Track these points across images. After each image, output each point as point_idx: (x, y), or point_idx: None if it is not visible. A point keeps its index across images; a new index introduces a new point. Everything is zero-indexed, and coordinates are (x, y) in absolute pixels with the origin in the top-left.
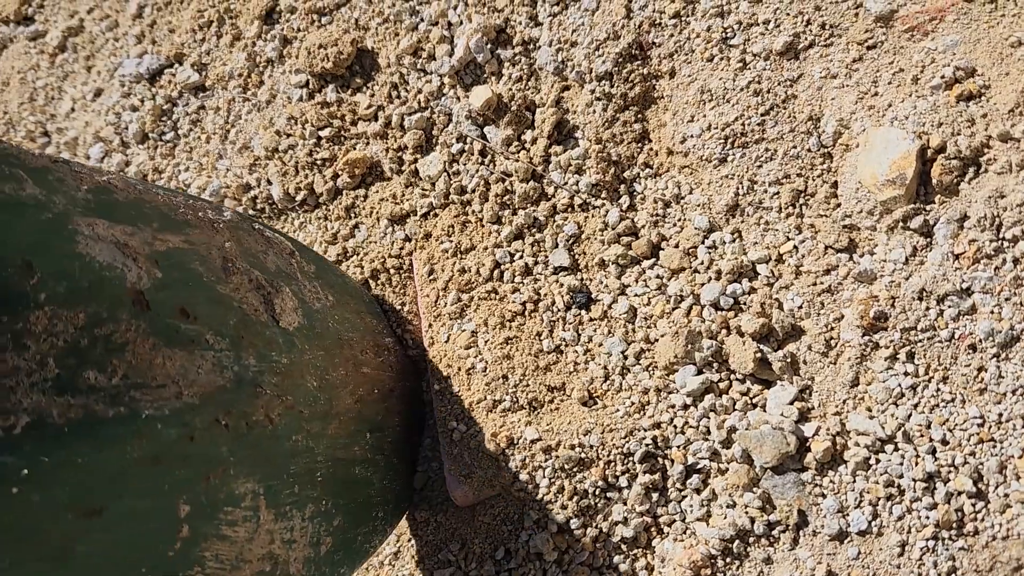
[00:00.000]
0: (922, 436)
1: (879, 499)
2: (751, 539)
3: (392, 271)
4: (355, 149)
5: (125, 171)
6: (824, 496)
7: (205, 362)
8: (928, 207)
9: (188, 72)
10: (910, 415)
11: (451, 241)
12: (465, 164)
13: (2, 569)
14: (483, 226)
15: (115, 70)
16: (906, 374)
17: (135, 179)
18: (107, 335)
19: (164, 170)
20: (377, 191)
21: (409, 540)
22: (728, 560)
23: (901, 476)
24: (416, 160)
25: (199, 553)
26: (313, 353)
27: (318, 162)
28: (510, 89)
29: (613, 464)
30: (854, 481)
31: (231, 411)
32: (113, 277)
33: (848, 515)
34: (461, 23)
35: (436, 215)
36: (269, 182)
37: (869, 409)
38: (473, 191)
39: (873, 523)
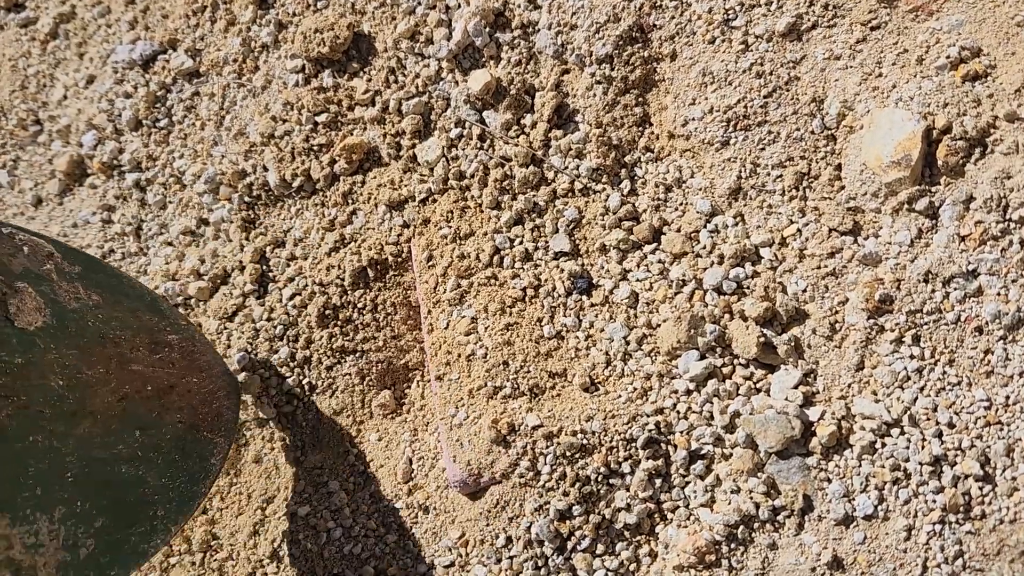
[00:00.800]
0: (928, 419)
1: (885, 483)
2: (756, 524)
3: (390, 258)
4: (352, 134)
5: (119, 158)
6: (830, 481)
7: None
8: (933, 188)
9: (182, 58)
10: (916, 398)
11: (450, 227)
12: (464, 149)
13: None
14: (482, 211)
15: (108, 56)
16: (912, 357)
17: None
18: None
19: (158, 157)
20: (375, 177)
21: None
22: (733, 546)
23: (907, 460)
24: (414, 145)
25: None
26: (60, 352)
27: (315, 148)
28: (509, 73)
29: (615, 450)
30: (860, 465)
31: None
32: None
33: (854, 499)
34: (459, 6)
35: (435, 200)
36: (265, 168)
37: (875, 393)
38: (472, 176)
39: (879, 507)
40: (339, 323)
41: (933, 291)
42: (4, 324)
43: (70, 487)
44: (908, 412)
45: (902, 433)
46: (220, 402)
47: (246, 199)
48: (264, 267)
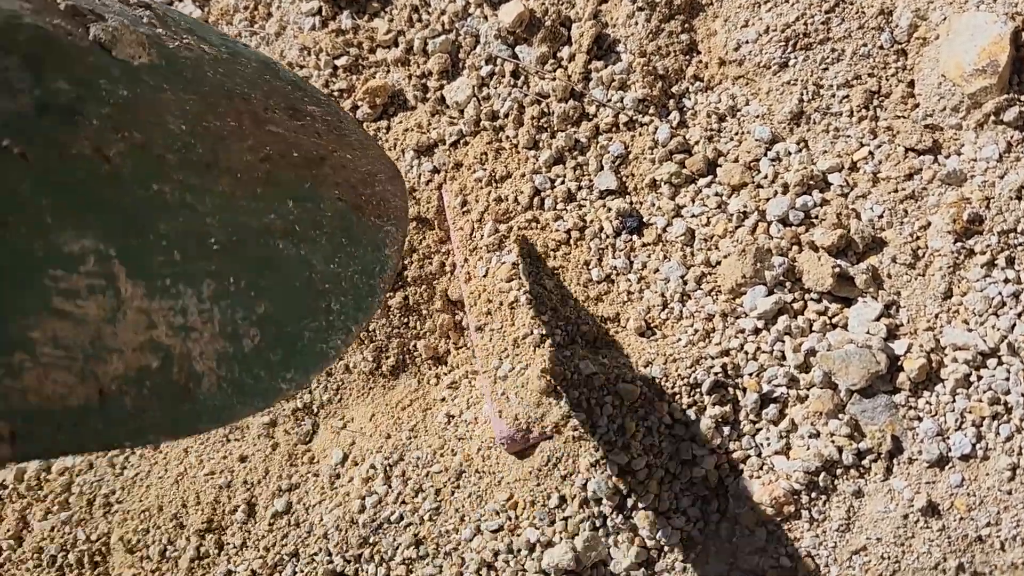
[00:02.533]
0: None
1: (983, 419)
2: (839, 470)
3: (422, 203)
4: (375, 78)
5: None
6: (920, 419)
7: None
8: (1023, 97)
9: (189, 7)
10: (1014, 325)
11: (484, 170)
12: (496, 87)
13: None
14: (519, 152)
15: None
16: (1006, 281)
17: None
18: None
19: None
20: (400, 121)
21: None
22: (814, 495)
23: (1008, 392)
24: (442, 86)
25: (20, 333)
26: (177, 95)
27: (335, 93)
28: (543, 4)
29: (679, 397)
30: (954, 401)
31: (30, 137)
32: None
33: (949, 439)
34: None
35: (466, 143)
36: None
37: (966, 322)
38: (506, 116)
39: (978, 446)
40: None
41: None
42: (97, 50)
43: (218, 257)
44: (1006, 340)
45: (1000, 363)
46: (383, 186)
47: None
48: None
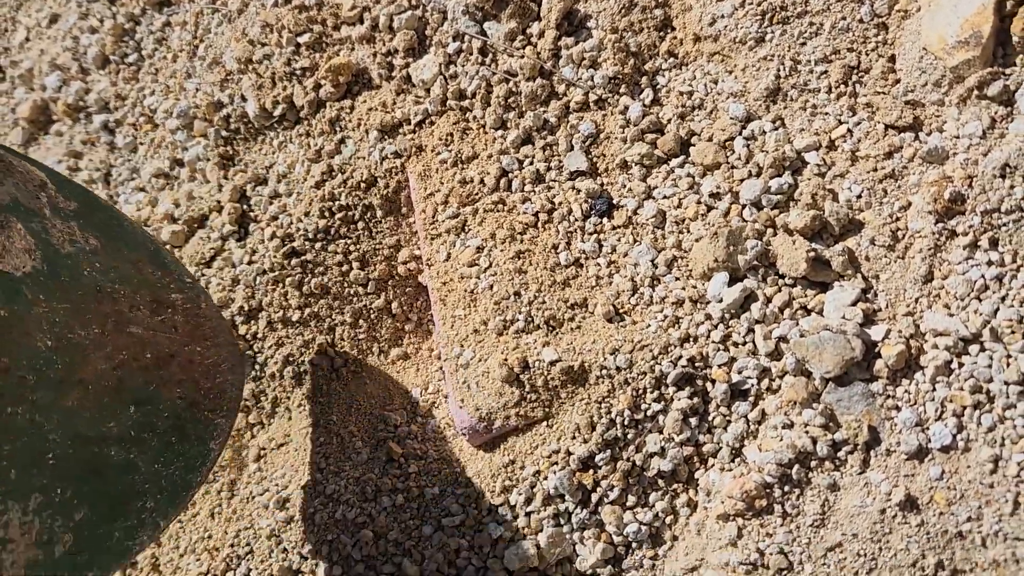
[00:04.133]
0: (1013, 332)
1: (965, 408)
2: (813, 463)
3: (382, 187)
4: (339, 55)
5: (85, 99)
6: (899, 409)
7: None
8: (1008, 70)
9: None
10: (997, 309)
11: (449, 151)
12: (463, 65)
13: None
14: (486, 132)
15: None
16: (990, 263)
17: None
18: None
19: (127, 95)
20: (364, 101)
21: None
22: (787, 488)
23: (990, 380)
24: (408, 64)
25: None
26: (50, 305)
27: (297, 72)
28: None
29: (645, 387)
30: (934, 389)
31: None
32: None
33: (928, 429)
34: None
35: (432, 123)
36: (243, 98)
37: (947, 306)
38: (473, 95)
39: (958, 437)
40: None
41: (1012, 187)
42: None
43: (50, 471)
44: (988, 325)
45: (982, 350)
46: (224, 376)
47: (223, 134)
48: (245, 207)
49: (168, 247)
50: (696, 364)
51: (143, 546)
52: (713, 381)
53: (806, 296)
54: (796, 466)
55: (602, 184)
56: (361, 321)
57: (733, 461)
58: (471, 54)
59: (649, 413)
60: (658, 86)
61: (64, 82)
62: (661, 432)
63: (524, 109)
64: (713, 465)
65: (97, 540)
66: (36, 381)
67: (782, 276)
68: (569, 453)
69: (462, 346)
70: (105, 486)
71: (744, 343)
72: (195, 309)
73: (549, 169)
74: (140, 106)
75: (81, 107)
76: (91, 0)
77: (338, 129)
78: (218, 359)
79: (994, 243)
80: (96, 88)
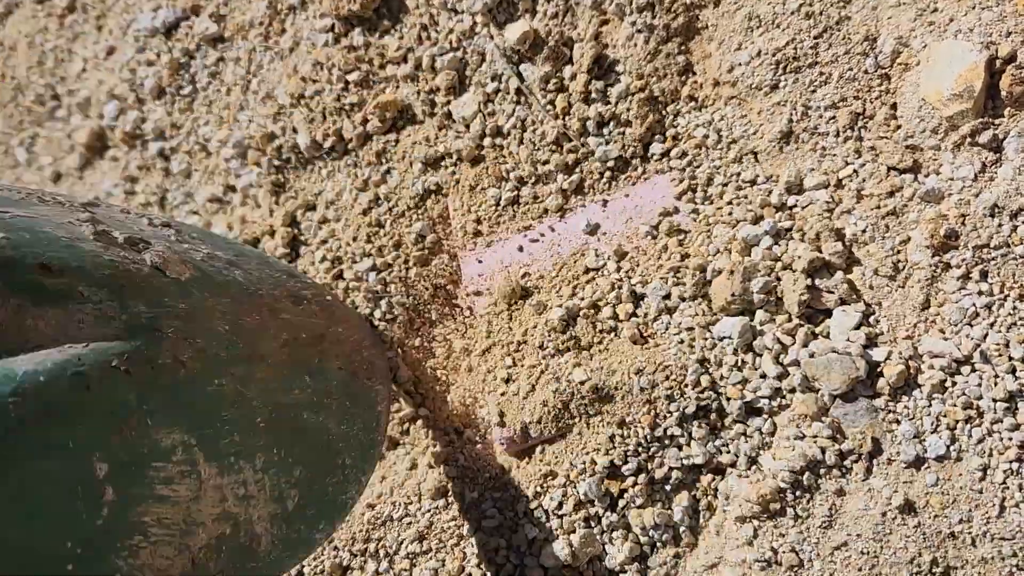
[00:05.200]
0: (1000, 355)
1: (957, 422)
2: (822, 470)
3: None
4: (385, 92)
5: (141, 128)
6: (899, 422)
7: (86, 315)
8: (997, 121)
9: (206, 23)
10: (986, 334)
11: (488, 183)
12: (500, 104)
13: None
14: (519, 168)
15: (128, 26)
16: (980, 293)
17: None
18: None
19: (182, 125)
20: (409, 134)
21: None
22: (798, 493)
23: (980, 397)
24: (449, 102)
25: (136, 519)
26: (216, 300)
27: (346, 107)
28: (546, 25)
29: (667, 404)
30: (930, 405)
31: (129, 356)
32: None
33: (925, 440)
34: None
35: (474, 155)
36: (295, 130)
37: (942, 331)
38: (508, 134)
39: (952, 448)
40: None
41: (1000, 225)
42: (157, 275)
43: (264, 434)
44: (979, 348)
45: (973, 370)
46: (368, 351)
47: (275, 163)
48: (295, 231)
49: None
50: (715, 381)
51: (354, 501)
52: (729, 399)
53: (814, 320)
54: (807, 473)
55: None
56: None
57: (749, 469)
58: (508, 94)
59: (669, 431)
60: (679, 133)
61: (121, 111)
62: (680, 448)
63: (551, 162)
64: (731, 472)
65: (317, 495)
66: (228, 357)
67: (790, 312)
68: (596, 463)
69: (501, 363)
70: (309, 446)
71: (757, 367)
72: (325, 300)
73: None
74: (194, 135)
75: (137, 135)
76: (149, 35)
77: (384, 161)
78: (359, 337)
79: (984, 275)
80: (152, 117)
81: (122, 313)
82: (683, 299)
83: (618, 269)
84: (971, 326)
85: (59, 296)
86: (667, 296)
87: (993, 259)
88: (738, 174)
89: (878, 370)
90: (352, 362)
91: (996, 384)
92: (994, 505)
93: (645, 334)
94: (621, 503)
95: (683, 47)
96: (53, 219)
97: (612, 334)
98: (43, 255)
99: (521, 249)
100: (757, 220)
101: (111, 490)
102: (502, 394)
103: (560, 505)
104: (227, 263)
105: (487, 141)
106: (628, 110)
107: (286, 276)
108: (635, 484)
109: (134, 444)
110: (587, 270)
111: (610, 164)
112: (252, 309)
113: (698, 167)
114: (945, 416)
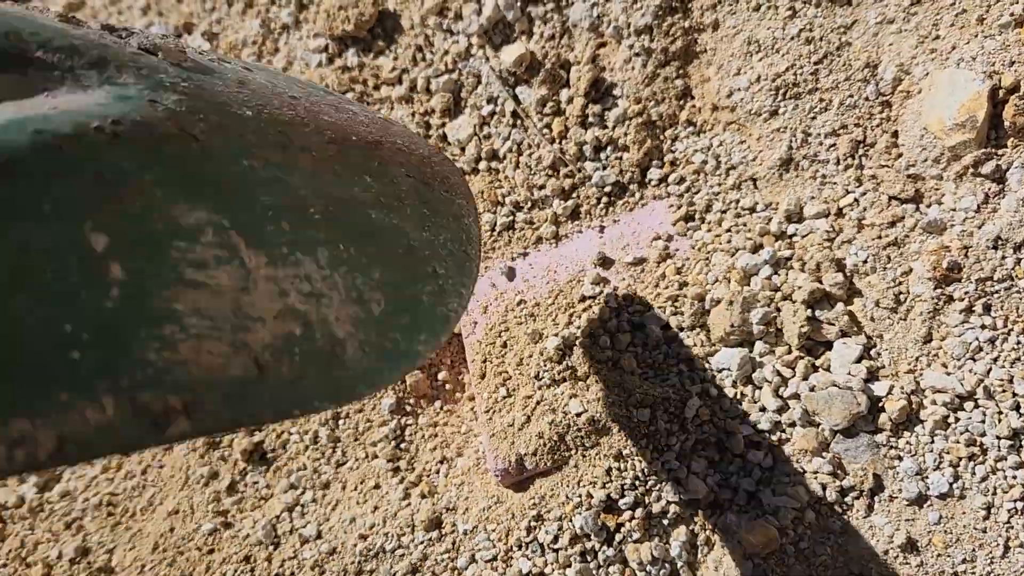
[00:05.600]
0: (1004, 391)
1: (960, 459)
2: (823, 507)
3: None
4: (379, 114)
5: None
6: (901, 458)
7: (52, 83)
8: (1000, 151)
9: (199, 41)
10: (990, 369)
11: (483, 206)
12: (496, 127)
13: None
14: (515, 192)
15: None
16: (983, 327)
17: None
18: None
19: None
20: None
21: None
22: (800, 530)
23: (983, 434)
24: (444, 124)
25: (163, 305)
26: (230, 89)
27: None
28: (543, 47)
29: (665, 437)
30: (932, 441)
31: (117, 120)
32: None
33: (927, 478)
34: None
35: (467, 180)
36: None
37: (945, 365)
38: (504, 157)
39: (955, 485)
40: None
41: (1003, 257)
42: (145, 54)
43: (322, 226)
44: (982, 384)
45: (976, 406)
46: (440, 167)
47: None
48: None
49: None
50: (715, 413)
51: (457, 315)
52: (729, 432)
53: (814, 352)
54: (807, 510)
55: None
56: None
57: (749, 504)
58: (504, 116)
59: (667, 464)
60: (677, 159)
61: None
62: (679, 482)
63: (548, 197)
64: (731, 507)
65: (408, 302)
66: (257, 140)
67: (788, 338)
68: (592, 496)
69: (496, 393)
70: (385, 247)
71: (756, 400)
72: (376, 117)
73: (570, 234)
74: None
75: None
76: None
77: None
78: (426, 152)
79: (987, 308)
80: None
81: (103, 84)
82: (681, 329)
83: (615, 297)
84: (974, 360)
85: (11, 60)
86: (665, 326)
87: (996, 292)
88: (737, 201)
89: (880, 405)
90: (422, 172)
91: (1000, 421)
92: (998, 545)
93: (643, 365)
94: (618, 537)
95: (681, 71)
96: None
97: (609, 364)
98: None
99: (516, 275)
100: (756, 249)
101: (118, 267)
102: (497, 425)
103: (556, 539)
104: (245, 68)
105: (483, 164)
106: (626, 134)
107: (323, 92)
108: (632, 518)
109: (141, 217)
110: (583, 298)
111: (607, 189)
112: (282, 104)
113: (696, 193)
114: (948, 453)
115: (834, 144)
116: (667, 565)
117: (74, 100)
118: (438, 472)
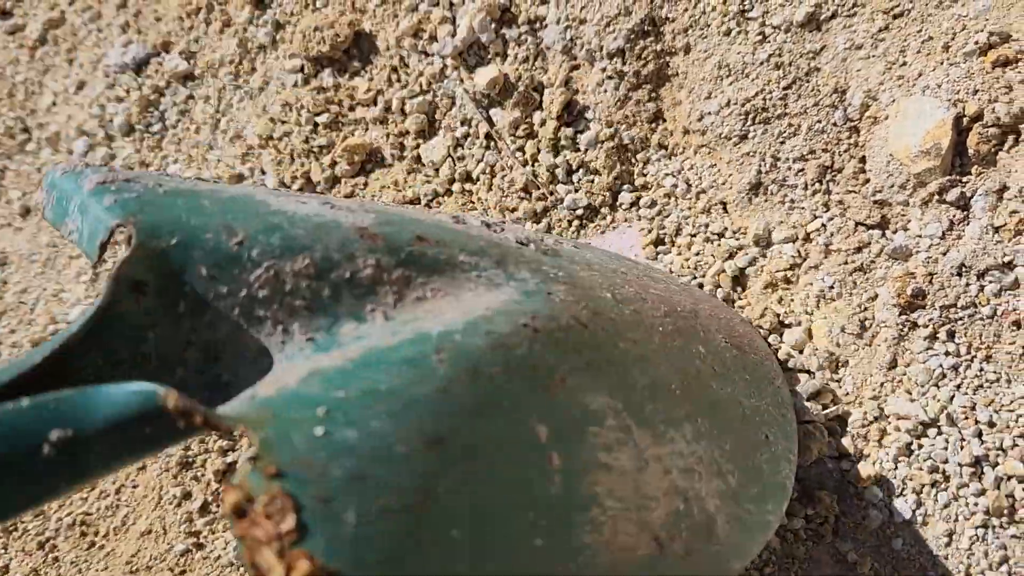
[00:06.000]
0: (967, 418)
1: (923, 486)
2: (788, 534)
3: None
4: (354, 135)
5: (111, 165)
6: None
7: (474, 283)
8: (964, 179)
9: (176, 60)
10: (953, 396)
11: None
12: (470, 148)
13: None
14: (488, 215)
15: (99, 61)
16: (947, 354)
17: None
18: (347, 277)
19: (151, 163)
20: (377, 178)
21: None
22: (764, 555)
23: (946, 461)
24: (418, 145)
25: (588, 491)
26: (586, 271)
27: (315, 149)
28: (516, 70)
29: None
30: (896, 468)
31: (534, 315)
32: (327, 222)
33: (891, 504)
34: (464, 3)
35: (440, 202)
36: (263, 171)
37: (909, 392)
38: (478, 179)
39: (917, 512)
40: None
41: (967, 284)
42: (522, 247)
43: (681, 402)
44: (945, 411)
45: (939, 433)
46: (742, 327)
47: None
48: None
49: None
50: None
51: (791, 482)
52: None
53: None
54: (775, 538)
55: None
56: None
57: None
58: (478, 138)
59: None
60: (648, 183)
61: (91, 147)
62: None
63: (522, 216)
64: None
65: (753, 472)
66: (621, 322)
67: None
68: None
69: None
70: (728, 417)
71: None
72: (680, 282)
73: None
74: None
75: None
76: (119, 71)
77: None
78: (728, 315)
79: (951, 335)
80: (121, 154)
81: (509, 280)
82: None
83: None
84: (938, 387)
85: (443, 265)
86: None
87: (960, 319)
88: (707, 225)
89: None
90: (733, 336)
91: (963, 448)
92: (960, 571)
93: None
94: None
95: (653, 94)
96: (403, 213)
97: None
98: (415, 230)
99: None
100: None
101: (556, 456)
102: None
103: None
104: (573, 246)
105: (456, 186)
106: (597, 158)
107: (631, 263)
108: None
109: (566, 406)
110: None
111: (579, 212)
112: (622, 282)
113: (667, 217)
114: (911, 479)
115: (802, 169)
116: None
117: (494, 299)
118: None
